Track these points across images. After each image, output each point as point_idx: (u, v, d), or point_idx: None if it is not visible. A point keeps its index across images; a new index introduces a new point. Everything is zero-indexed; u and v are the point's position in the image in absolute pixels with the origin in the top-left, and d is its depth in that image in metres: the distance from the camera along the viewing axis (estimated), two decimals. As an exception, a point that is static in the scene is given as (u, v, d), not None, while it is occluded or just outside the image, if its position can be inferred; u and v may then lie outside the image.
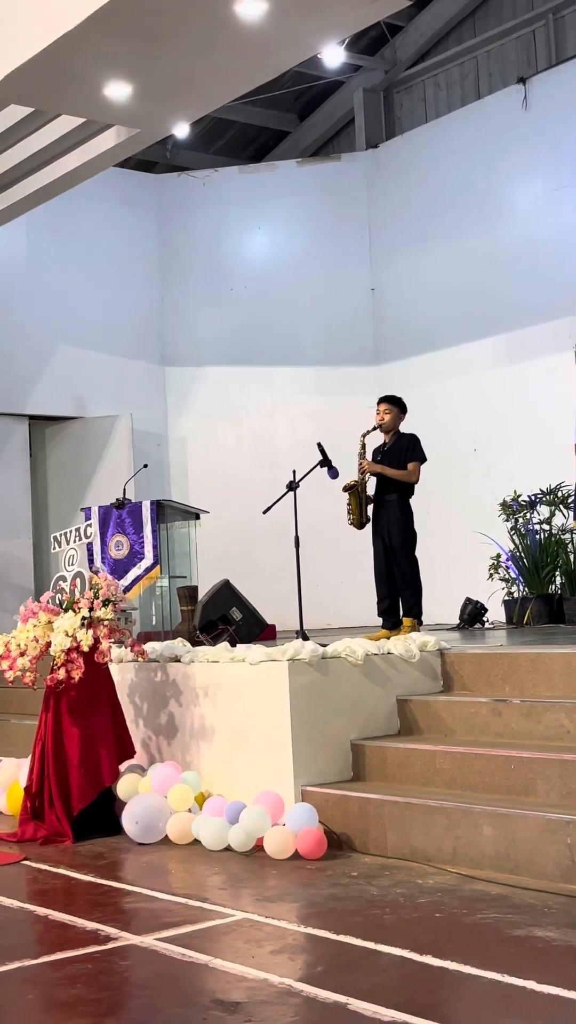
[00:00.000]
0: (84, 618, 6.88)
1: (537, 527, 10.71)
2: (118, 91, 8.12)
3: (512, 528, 10.85)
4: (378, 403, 8.62)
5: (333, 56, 13.02)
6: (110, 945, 4.58)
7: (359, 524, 8.47)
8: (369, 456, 8.55)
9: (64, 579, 7.28)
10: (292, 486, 8.19)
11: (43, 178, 10.01)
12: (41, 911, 5.19)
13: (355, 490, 8.40)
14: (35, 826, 6.76)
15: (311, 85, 14.86)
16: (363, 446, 8.51)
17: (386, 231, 14.10)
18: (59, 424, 14.04)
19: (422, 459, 8.41)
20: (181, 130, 9.85)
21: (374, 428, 8.55)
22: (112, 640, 6.97)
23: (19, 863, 6.19)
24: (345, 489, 8.40)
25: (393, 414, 8.53)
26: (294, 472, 8.26)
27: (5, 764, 7.83)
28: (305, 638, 7.19)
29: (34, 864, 6.15)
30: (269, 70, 8.24)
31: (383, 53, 14.67)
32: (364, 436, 8.51)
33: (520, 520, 10.80)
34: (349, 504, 8.43)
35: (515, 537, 10.79)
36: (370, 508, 8.50)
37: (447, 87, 14.25)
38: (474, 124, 13.21)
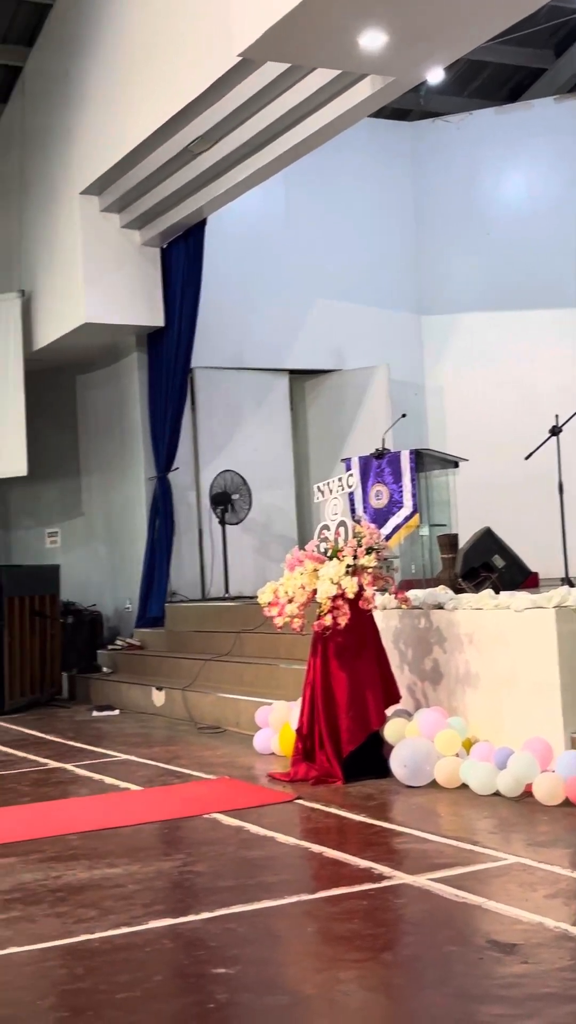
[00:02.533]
0: (348, 566, 7.01)
1: None
2: (373, 40, 8.08)
3: None
4: None
5: (591, -14, 12.53)
6: (384, 883, 4.70)
7: None
8: None
9: (328, 528, 7.42)
10: (555, 431, 8.05)
11: (299, 133, 10.11)
12: (315, 848, 5.37)
13: None
14: (306, 767, 6.97)
15: (567, 19, 14.36)
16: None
17: None
18: (318, 377, 14.23)
19: None
20: (435, 75, 9.71)
21: None
22: (376, 587, 7.07)
23: (292, 802, 6.41)
24: None
25: None
26: (556, 416, 8.12)
27: (276, 707, 8.09)
28: (571, 585, 7.09)
29: (306, 803, 6.35)
30: (524, 7, 8.02)
31: None
32: None
33: None
34: None
35: None
36: None
37: None
38: None
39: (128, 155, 10.97)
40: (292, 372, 14.03)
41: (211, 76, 9.31)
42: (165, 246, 12.54)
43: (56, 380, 14.41)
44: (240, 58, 8.59)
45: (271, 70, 9.12)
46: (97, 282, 12.25)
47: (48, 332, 13.11)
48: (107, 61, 11.46)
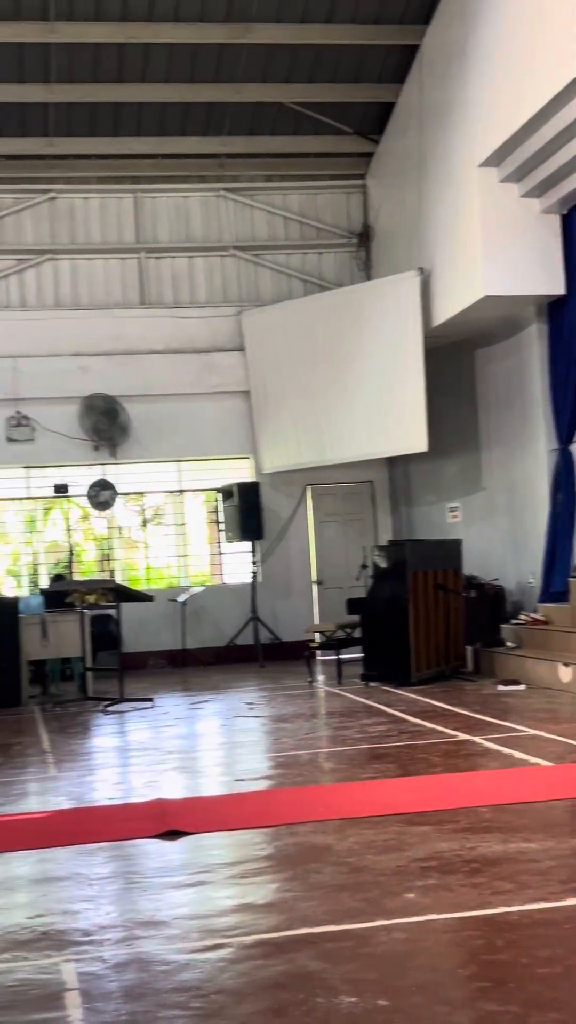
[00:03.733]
0: None
1: None
2: None
3: None
4: None
5: None
6: None
7: None
8: None
9: None
10: None
11: None
12: None
13: None
14: None
15: None
16: None
17: None
18: None
19: None
20: None
21: None
22: None
23: None
24: None
25: None
26: None
27: None
28: None
29: None
30: None
31: None
32: None
33: None
34: None
35: None
36: None
37: None
38: None
39: (527, 123, 10.80)
40: None
41: (613, 32, 9.00)
42: (565, 212, 12.25)
43: (455, 355, 14.47)
44: None
45: None
46: (495, 254, 12.16)
47: (447, 308, 13.18)
48: (503, 30, 11.32)
